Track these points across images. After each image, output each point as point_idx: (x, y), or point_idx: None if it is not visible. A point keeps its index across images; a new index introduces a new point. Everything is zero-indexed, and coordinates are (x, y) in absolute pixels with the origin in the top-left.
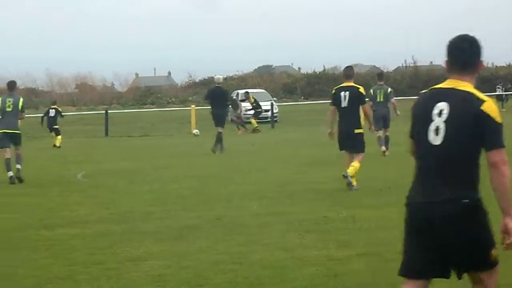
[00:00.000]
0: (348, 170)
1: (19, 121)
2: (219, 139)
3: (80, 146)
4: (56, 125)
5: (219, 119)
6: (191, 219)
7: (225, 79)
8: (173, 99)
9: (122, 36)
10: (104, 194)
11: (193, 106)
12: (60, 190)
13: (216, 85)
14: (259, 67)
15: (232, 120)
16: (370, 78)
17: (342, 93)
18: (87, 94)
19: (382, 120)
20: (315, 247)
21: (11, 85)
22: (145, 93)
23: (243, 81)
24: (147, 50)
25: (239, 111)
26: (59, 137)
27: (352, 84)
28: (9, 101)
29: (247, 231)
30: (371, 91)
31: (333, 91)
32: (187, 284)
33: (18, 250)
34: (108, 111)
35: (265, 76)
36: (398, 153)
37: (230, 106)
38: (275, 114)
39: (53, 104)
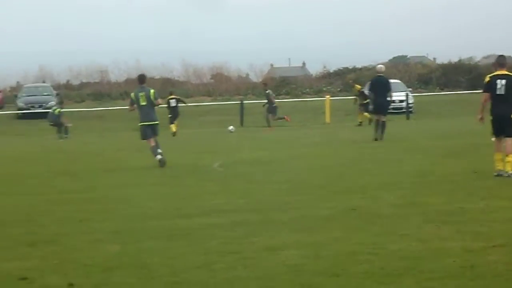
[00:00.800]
0: (507, 169)
1: (156, 110)
2: (382, 126)
3: (216, 136)
4: (178, 113)
5: (382, 108)
6: (326, 209)
7: (359, 69)
8: (307, 89)
9: (258, 26)
10: (240, 183)
11: (327, 96)
12: (196, 179)
13: (379, 74)
14: (394, 58)
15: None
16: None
17: (498, 81)
18: (223, 85)
19: None
20: (452, 238)
21: (142, 78)
22: (280, 84)
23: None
24: (282, 40)
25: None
26: (174, 124)
27: (507, 72)
28: (142, 95)
29: (383, 222)
30: None
31: (487, 79)
32: (323, 274)
33: (154, 238)
34: (244, 102)
35: (400, 67)
36: None
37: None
38: (410, 105)
39: (171, 95)
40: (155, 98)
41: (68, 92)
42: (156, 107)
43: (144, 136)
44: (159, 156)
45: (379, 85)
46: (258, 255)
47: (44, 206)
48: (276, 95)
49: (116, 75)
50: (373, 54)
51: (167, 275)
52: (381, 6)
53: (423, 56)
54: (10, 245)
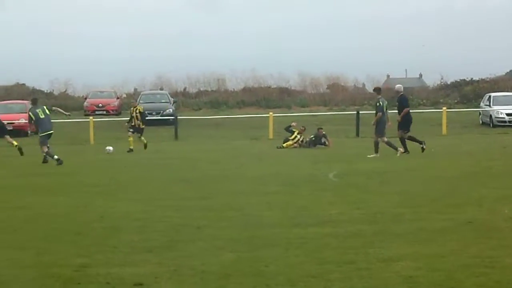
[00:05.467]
0: None
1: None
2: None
3: (332, 145)
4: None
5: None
6: (442, 221)
7: (477, 82)
8: (424, 100)
9: (376, 37)
10: (355, 194)
11: (444, 108)
12: (312, 189)
13: (402, 93)
14: (510, 71)
15: None
16: None
17: None
18: (339, 95)
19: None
20: None
21: (35, 101)
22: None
23: (495, 84)
24: (399, 51)
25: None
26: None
27: None
28: (39, 111)
29: (499, 235)
30: (380, 102)
31: None
32: (438, 286)
33: (270, 247)
34: (360, 112)
35: None
36: None
37: None
38: None
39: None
40: (50, 111)
41: (185, 99)
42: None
43: (45, 143)
44: (56, 156)
45: (406, 102)
46: (373, 266)
47: (161, 212)
48: (392, 106)
49: (233, 84)
50: (489, 67)
51: (283, 284)
52: (496, 19)
53: None
54: (126, 250)
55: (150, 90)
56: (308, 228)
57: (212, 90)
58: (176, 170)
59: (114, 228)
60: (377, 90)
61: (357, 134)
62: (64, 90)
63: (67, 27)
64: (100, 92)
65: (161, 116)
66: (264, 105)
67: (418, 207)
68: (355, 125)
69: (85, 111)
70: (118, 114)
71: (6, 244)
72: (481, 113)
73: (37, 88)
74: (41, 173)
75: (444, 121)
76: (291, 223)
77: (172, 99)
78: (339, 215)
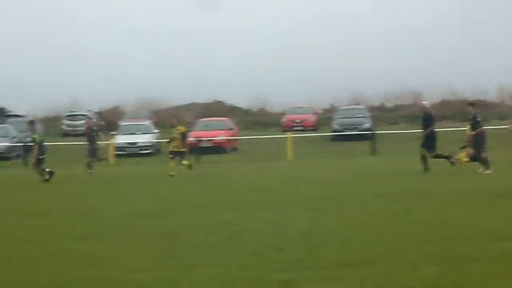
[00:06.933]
0: None
1: None
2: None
3: None
4: None
5: None
6: None
7: None
8: None
9: None
10: None
11: None
12: None
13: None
14: None
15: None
16: None
17: None
18: None
19: None
20: None
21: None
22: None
23: None
24: None
25: None
26: None
27: None
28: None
29: None
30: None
31: None
32: None
33: (473, 261)
34: None
35: None
36: None
37: None
38: None
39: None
40: None
41: (382, 114)
42: None
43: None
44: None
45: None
46: None
47: (361, 226)
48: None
49: (430, 98)
50: None
51: None
52: None
53: None
54: (326, 265)
55: (347, 105)
56: (507, 241)
57: (409, 104)
58: (374, 185)
59: (316, 244)
60: (472, 104)
61: None
62: (263, 107)
63: None
64: (298, 108)
65: (358, 131)
66: (459, 118)
67: None
68: None
69: (283, 127)
70: (315, 129)
71: (211, 261)
72: None
73: (235, 105)
74: (246, 190)
75: None
76: (491, 237)
77: (369, 113)
78: None
